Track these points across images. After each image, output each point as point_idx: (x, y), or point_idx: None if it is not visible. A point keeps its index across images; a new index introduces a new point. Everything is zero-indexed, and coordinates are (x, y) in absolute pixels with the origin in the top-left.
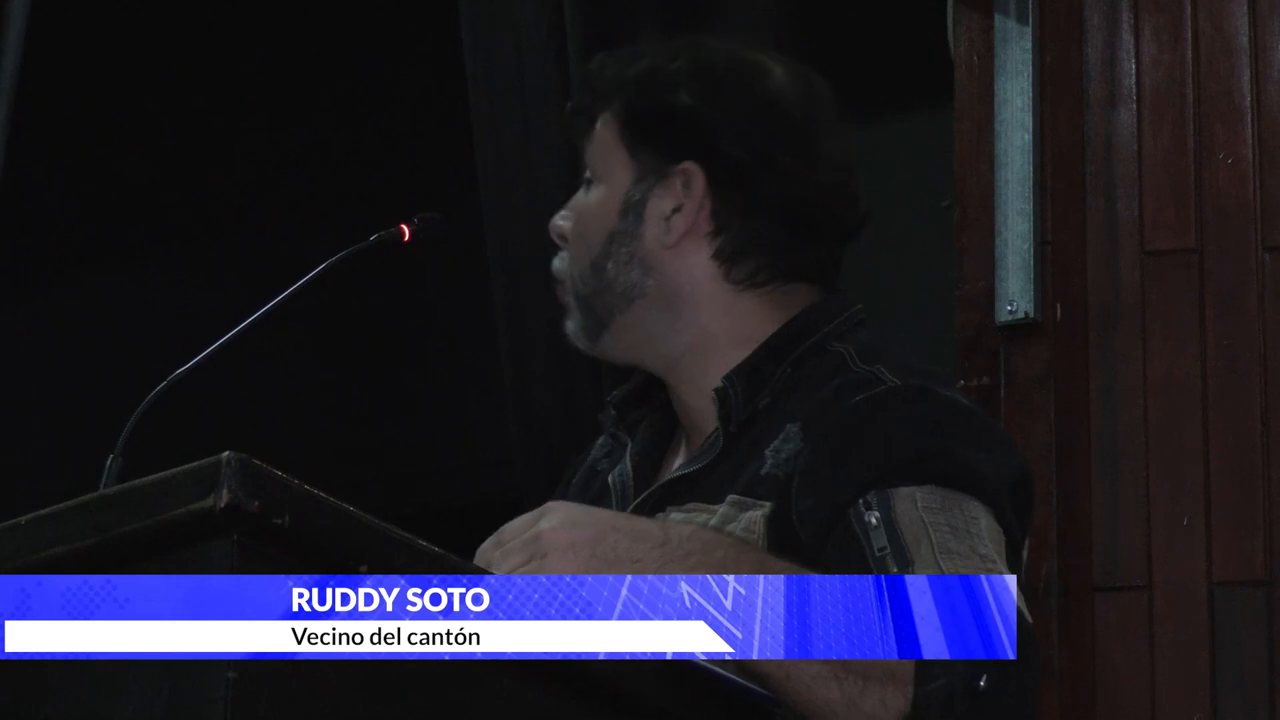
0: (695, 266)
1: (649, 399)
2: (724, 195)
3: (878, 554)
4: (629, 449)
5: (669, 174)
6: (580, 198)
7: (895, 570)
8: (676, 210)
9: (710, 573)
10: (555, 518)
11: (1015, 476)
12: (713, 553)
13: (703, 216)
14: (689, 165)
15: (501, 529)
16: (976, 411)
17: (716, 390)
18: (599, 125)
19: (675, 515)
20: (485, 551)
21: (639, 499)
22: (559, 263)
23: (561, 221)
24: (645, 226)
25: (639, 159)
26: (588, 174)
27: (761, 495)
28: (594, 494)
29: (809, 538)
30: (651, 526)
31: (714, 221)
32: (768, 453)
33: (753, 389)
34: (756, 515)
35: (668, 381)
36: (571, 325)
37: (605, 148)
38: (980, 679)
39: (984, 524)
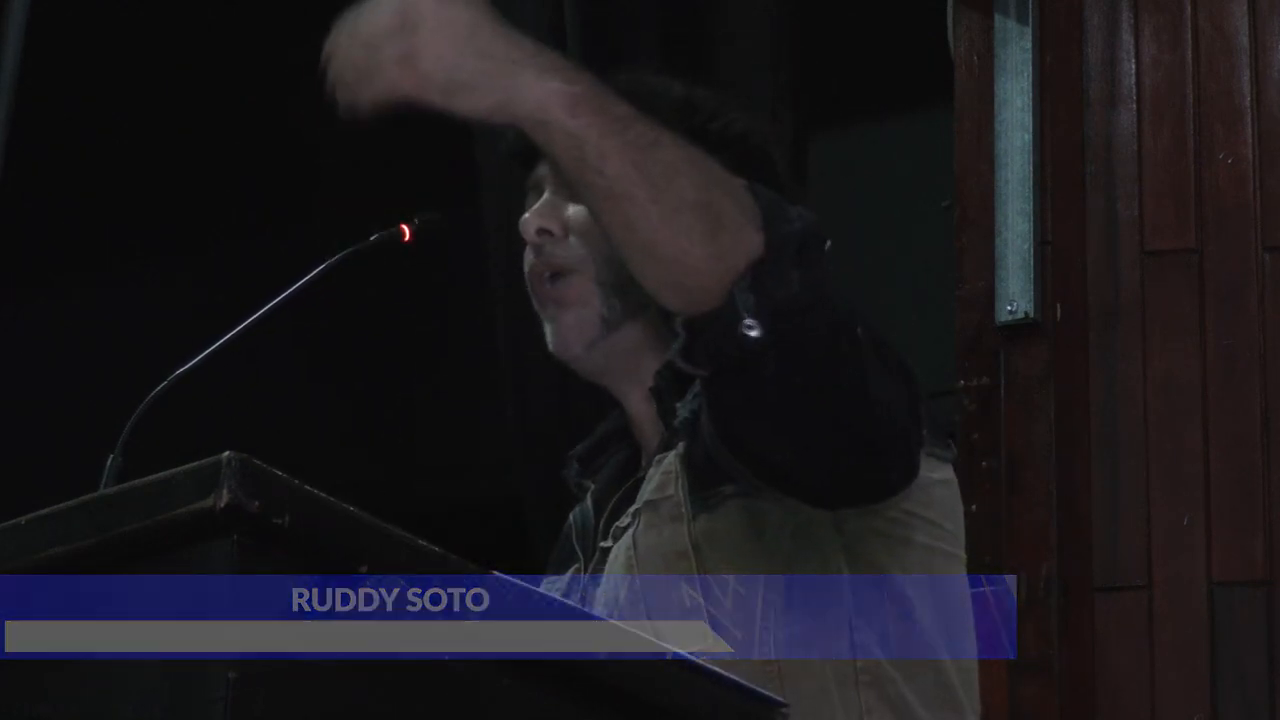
0: None
1: (610, 447)
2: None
3: None
4: (590, 491)
5: None
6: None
7: None
8: None
9: (590, 101)
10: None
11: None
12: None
13: None
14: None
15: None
16: None
17: (650, 390)
18: None
19: (619, 522)
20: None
21: (599, 524)
22: (547, 255)
23: (547, 219)
24: None
25: None
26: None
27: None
28: (565, 550)
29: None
30: (524, 39)
31: None
32: (679, 406)
33: (682, 384)
34: (670, 455)
35: (630, 402)
36: (571, 320)
37: None
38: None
39: None
